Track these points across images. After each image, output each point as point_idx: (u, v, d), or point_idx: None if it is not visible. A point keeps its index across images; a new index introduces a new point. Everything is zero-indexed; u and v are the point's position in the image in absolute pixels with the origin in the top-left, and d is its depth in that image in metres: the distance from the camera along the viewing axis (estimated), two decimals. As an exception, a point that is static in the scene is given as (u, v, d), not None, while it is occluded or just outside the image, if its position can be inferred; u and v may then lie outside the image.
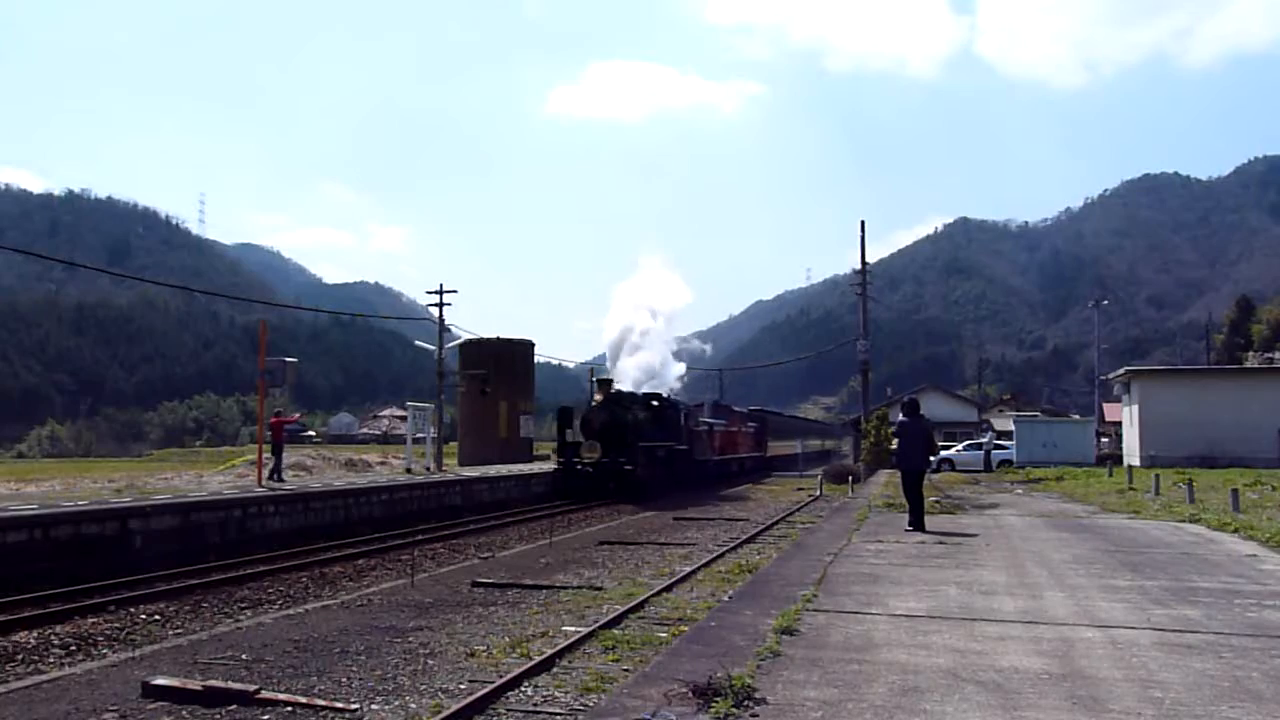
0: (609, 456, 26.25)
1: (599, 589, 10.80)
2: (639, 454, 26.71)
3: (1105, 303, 77.91)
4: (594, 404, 27.73)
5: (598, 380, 29.86)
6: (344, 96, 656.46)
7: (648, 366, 33.37)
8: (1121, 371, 42.74)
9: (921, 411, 14.87)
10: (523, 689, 6.35)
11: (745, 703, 4.77)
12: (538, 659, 7.00)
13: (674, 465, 30.09)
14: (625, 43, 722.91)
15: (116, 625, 9.24)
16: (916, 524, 13.56)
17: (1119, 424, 46.95)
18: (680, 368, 39.53)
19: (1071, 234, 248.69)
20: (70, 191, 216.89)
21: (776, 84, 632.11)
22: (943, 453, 42.61)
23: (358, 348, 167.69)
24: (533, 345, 46.40)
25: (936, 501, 19.37)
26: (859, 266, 42.55)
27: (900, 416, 14.77)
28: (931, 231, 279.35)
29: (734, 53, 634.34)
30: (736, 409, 44.48)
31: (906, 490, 14.13)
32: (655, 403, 29.96)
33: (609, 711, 4.90)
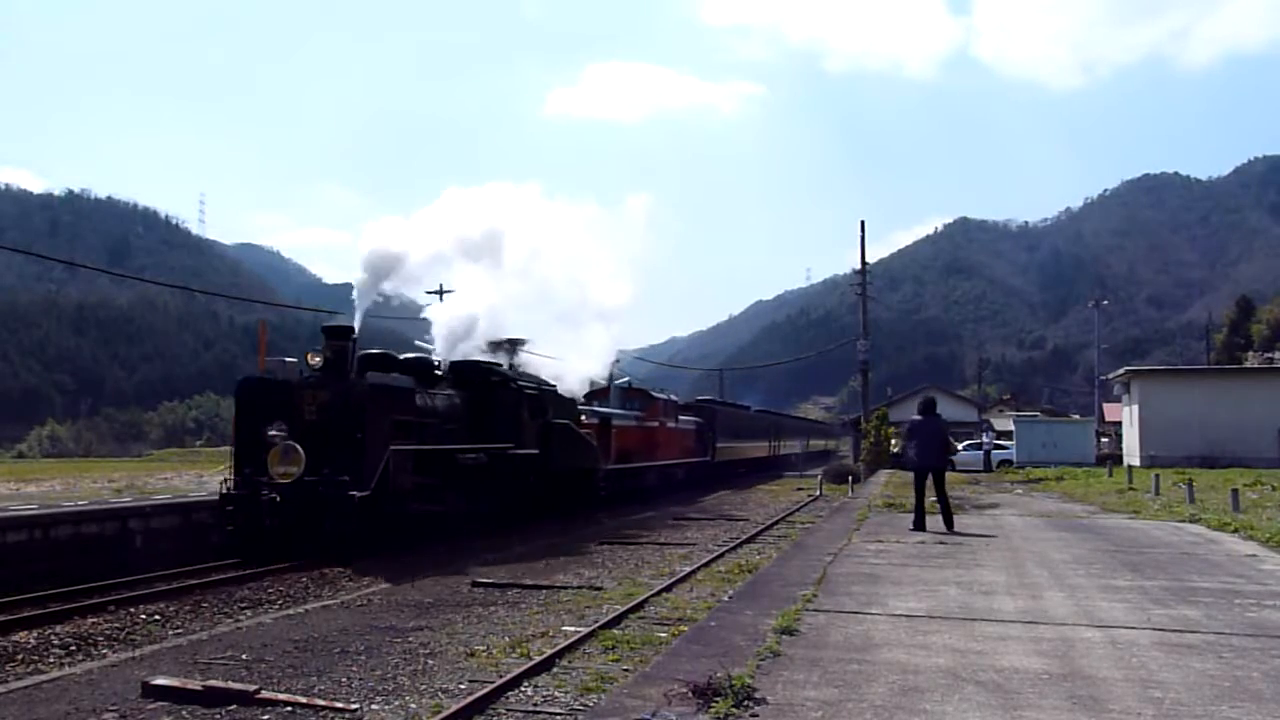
0: (322, 473, 13.21)
1: (599, 589, 10.80)
2: (390, 467, 13.84)
3: (1105, 303, 77.94)
4: (308, 371, 14.66)
5: (325, 327, 15.71)
6: (343, 97, 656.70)
7: (468, 318, 19.73)
8: (1121, 371, 42.76)
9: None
10: (523, 689, 6.35)
11: (745, 703, 4.77)
12: (538, 659, 7.01)
13: (500, 485, 17.49)
14: (622, 44, 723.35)
15: (116, 625, 9.23)
16: (919, 524, 13.62)
17: (1119, 424, 46.96)
18: (605, 355, 25.00)
19: (1071, 234, 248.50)
20: (70, 191, 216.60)
21: (774, 84, 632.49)
22: None
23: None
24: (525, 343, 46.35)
25: (936, 501, 19.37)
26: (859, 266, 42.62)
27: (915, 415, 14.79)
28: (931, 231, 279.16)
29: (731, 54, 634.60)
30: (658, 395, 30.10)
31: (917, 489, 14.17)
32: (478, 378, 18.01)
33: (609, 711, 4.90)
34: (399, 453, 14.27)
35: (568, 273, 22.83)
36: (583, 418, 22.41)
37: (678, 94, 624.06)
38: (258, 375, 16.90)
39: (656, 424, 28.41)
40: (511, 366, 20.64)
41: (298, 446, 13.52)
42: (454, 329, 19.52)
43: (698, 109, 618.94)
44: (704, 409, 36.68)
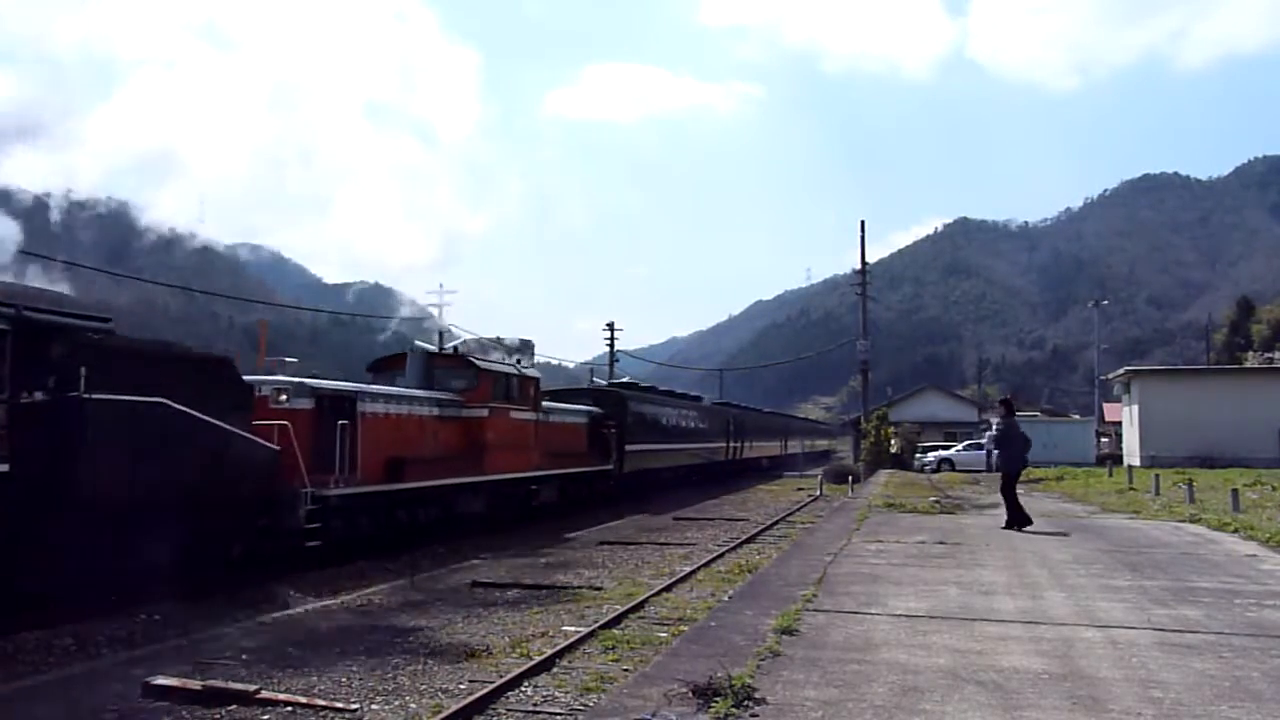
0: None
1: (599, 589, 10.80)
2: None
3: (1105, 303, 77.91)
4: None
5: None
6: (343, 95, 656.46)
7: None
8: (1121, 371, 42.80)
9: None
10: (523, 689, 6.36)
11: (745, 703, 4.77)
12: (538, 659, 7.01)
13: None
14: (620, 45, 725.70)
15: (116, 625, 9.23)
16: (1022, 521, 13.65)
17: (1119, 424, 46.98)
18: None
19: (1071, 234, 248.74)
20: (70, 191, 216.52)
21: (772, 85, 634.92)
22: (942, 453, 42.72)
23: (358, 348, 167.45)
24: (533, 344, 46.26)
25: (936, 501, 19.41)
26: (859, 266, 42.64)
27: (1000, 417, 14.95)
28: (931, 232, 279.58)
29: (728, 55, 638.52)
30: (490, 364, 18.20)
31: (1010, 492, 14.14)
32: None
33: (609, 711, 4.90)
34: None
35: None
36: (283, 397, 12.88)
37: (675, 94, 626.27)
38: None
39: (485, 413, 17.15)
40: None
41: None
42: None
43: (696, 109, 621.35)
44: (607, 396, 26.37)
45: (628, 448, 25.11)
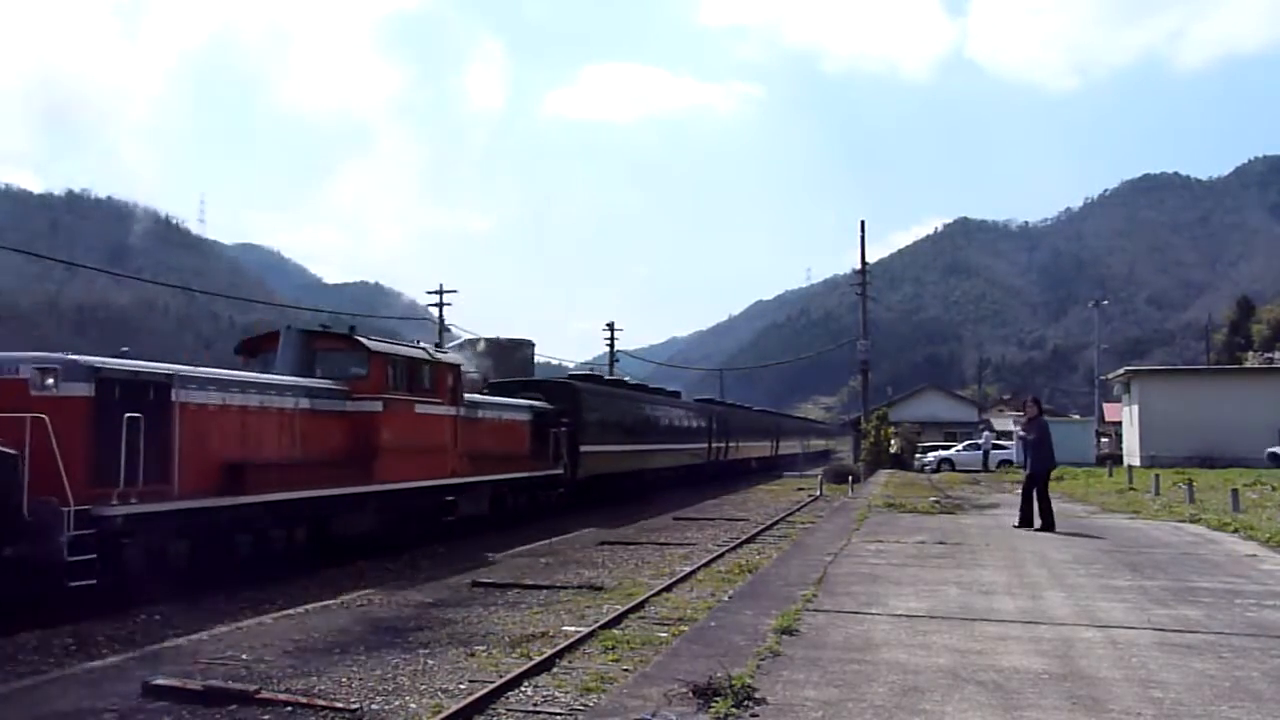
0: None
1: (599, 589, 10.80)
2: None
3: (1105, 303, 77.87)
4: None
5: None
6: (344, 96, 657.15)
7: None
8: (1121, 371, 42.83)
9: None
10: (523, 689, 6.36)
11: (745, 703, 4.78)
12: (538, 659, 7.01)
13: None
14: (619, 45, 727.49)
15: (116, 625, 9.23)
16: (1047, 525, 13.52)
17: (1119, 424, 47.00)
18: None
19: (1071, 234, 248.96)
20: (70, 191, 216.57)
21: (772, 85, 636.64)
22: (942, 453, 42.75)
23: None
24: (533, 344, 46.30)
25: (936, 502, 19.41)
26: (859, 266, 42.66)
27: (1031, 415, 14.84)
28: (931, 232, 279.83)
29: (728, 55, 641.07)
30: (383, 345, 14.75)
31: (1040, 495, 14.01)
32: None
33: (609, 711, 4.91)
34: None
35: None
36: (48, 381, 9.41)
37: (675, 94, 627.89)
38: None
39: (378, 406, 13.89)
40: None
41: None
42: None
43: (695, 109, 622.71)
44: (560, 389, 22.95)
45: (583, 449, 21.95)
